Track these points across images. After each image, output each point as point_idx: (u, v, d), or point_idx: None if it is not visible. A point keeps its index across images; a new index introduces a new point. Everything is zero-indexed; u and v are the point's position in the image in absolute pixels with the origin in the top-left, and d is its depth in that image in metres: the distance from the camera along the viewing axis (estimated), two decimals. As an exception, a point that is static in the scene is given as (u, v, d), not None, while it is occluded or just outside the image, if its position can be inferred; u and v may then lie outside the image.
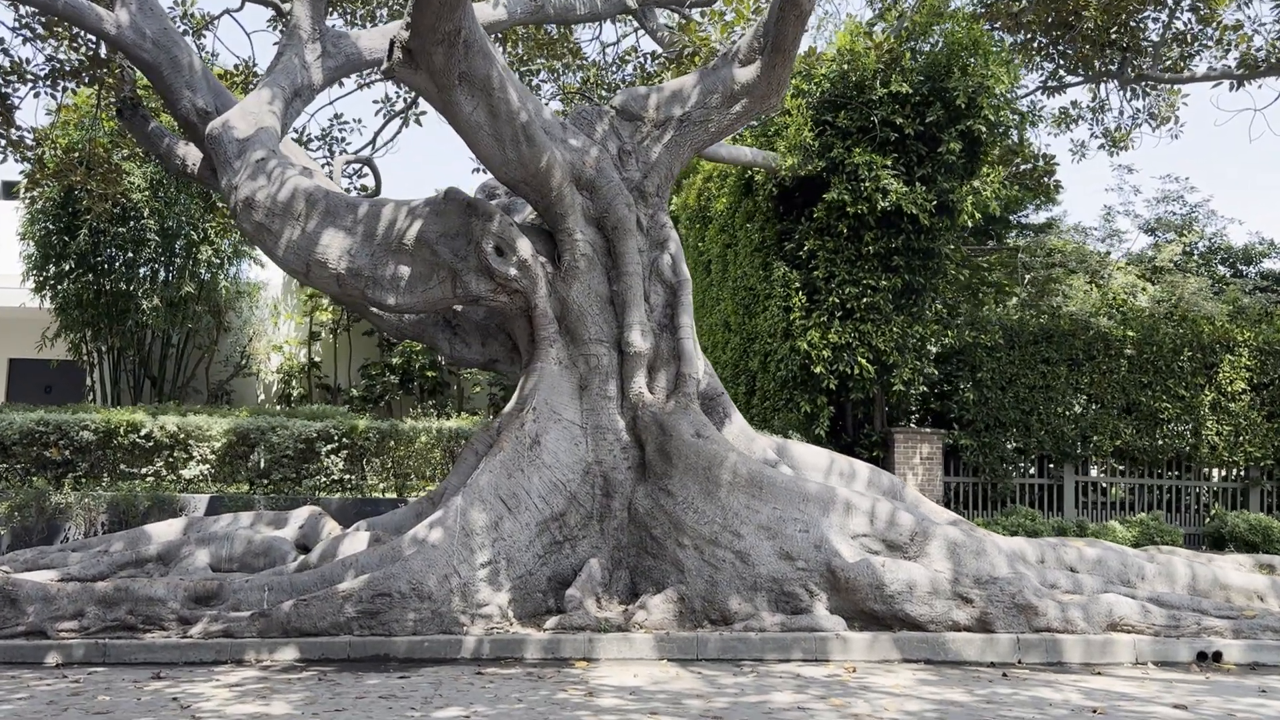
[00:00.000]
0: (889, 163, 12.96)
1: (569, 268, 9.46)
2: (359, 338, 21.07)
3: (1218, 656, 8.03)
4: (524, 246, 9.20)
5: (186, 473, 13.41)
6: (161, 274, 19.12)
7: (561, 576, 9.02)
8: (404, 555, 8.18)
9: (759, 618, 8.16)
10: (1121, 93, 17.91)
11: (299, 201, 9.57)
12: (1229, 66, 15.64)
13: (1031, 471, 14.67)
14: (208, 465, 13.48)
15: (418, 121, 17.60)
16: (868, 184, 12.84)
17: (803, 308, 13.42)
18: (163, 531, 10.74)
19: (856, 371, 13.27)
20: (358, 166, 16.82)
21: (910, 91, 12.91)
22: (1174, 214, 20.66)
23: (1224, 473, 14.78)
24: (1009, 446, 14.20)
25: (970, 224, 13.85)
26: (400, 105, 17.58)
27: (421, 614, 7.94)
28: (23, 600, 7.98)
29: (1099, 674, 7.52)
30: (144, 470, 13.39)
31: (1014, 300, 19.23)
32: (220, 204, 18.42)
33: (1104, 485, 14.92)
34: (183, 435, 13.41)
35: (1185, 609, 8.61)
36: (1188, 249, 18.73)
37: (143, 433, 13.27)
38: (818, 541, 8.50)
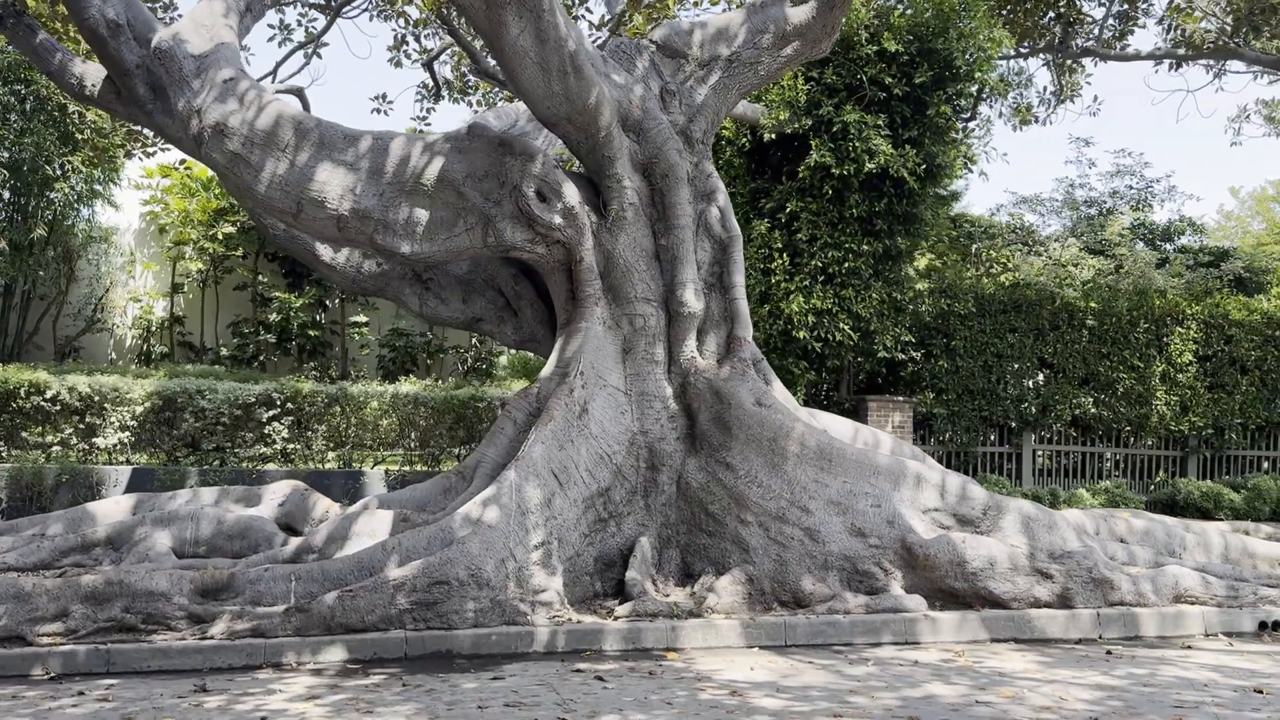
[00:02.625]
0: (879, 123, 12.56)
1: (616, 218, 8.53)
2: (229, 292, 18.83)
3: (1276, 626, 8.07)
4: (570, 192, 8.23)
5: (101, 441, 11.68)
6: (4, 213, 16.57)
7: (607, 557, 8.23)
8: (458, 537, 7.18)
9: (841, 599, 7.64)
10: (1050, 69, 18.26)
11: (284, 130, 8.31)
12: (1170, 46, 16.07)
13: (992, 439, 14.75)
14: (128, 433, 11.77)
15: (318, 54, 16.01)
16: (856, 144, 12.39)
17: (785, 271, 12.90)
18: (109, 510, 9.26)
19: (838, 338, 12.88)
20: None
21: (900, 50, 12.51)
22: (1130, 188, 21.36)
23: (1156, 441, 15.28)
24: (978, 415, 14.20)
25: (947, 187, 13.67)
26: (301, 36, 15.93)
27: (481, 603, 7.00)
28: (-11, 599, 6.56)
29: (1188, 647, 7.39)
30: (49, 439, 11.58)
31: (923, 263, 19.28)
32: (79, 136, 16.13)
33: (1058, 454, 15.14)
34: (96, 399, 11.65)
35: (1232, 578, 8.66)
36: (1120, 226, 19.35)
37: (48, 395, 11.44)
38: (890, 517, 8.03)
